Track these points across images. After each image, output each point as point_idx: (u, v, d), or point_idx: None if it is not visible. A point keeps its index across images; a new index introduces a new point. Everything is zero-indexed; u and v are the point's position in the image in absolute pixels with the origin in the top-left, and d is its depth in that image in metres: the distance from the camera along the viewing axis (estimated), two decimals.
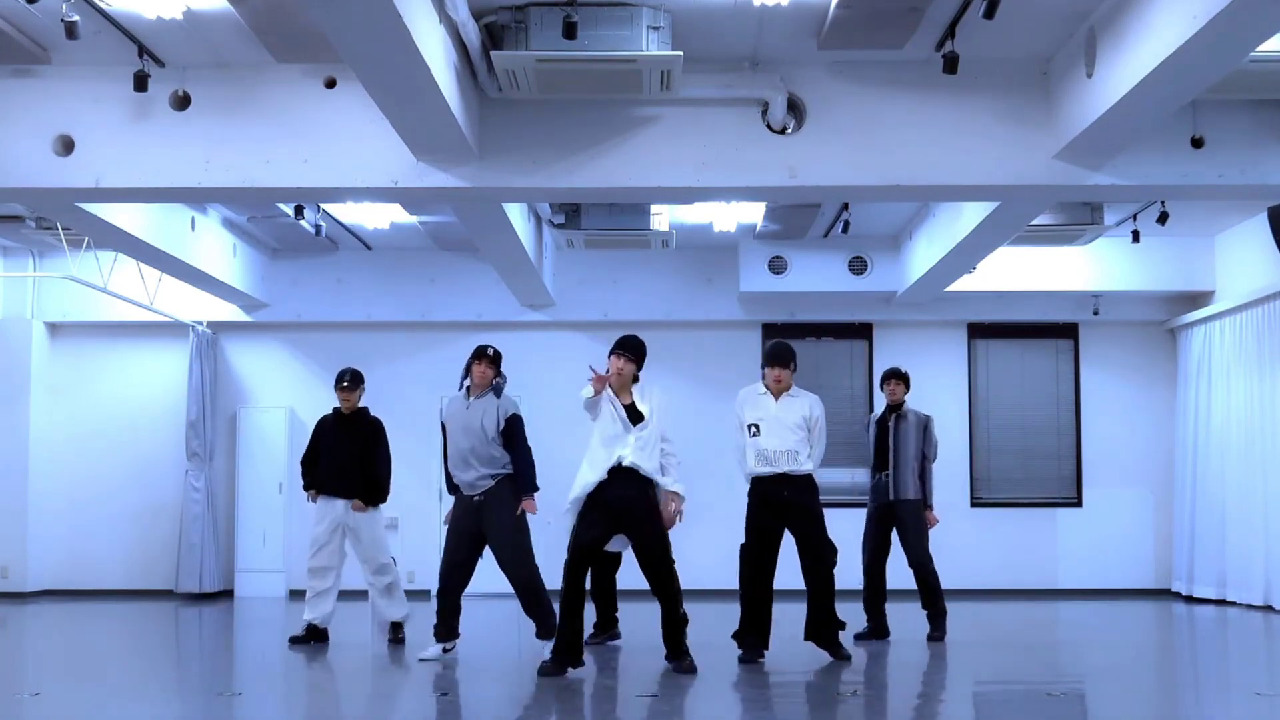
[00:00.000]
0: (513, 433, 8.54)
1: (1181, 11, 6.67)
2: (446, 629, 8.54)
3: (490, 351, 8.58)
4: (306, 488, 9.55)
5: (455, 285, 14.15)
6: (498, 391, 8.58)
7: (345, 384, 9.44)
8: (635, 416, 7.73)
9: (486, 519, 8.50)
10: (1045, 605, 13.20)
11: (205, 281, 12.75)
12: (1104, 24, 7.74)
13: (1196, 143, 8.92)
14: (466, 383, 8.63)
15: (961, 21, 7.93)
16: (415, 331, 14.41)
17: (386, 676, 8.36)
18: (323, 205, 11.96)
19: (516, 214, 10.98)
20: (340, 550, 9.51)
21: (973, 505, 14.34)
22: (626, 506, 7.70)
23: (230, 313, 14.18)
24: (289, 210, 11.81)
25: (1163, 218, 11.48)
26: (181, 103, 8.83)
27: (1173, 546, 14.10)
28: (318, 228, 12.32)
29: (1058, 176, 8.82)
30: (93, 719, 6.84)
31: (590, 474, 7.71)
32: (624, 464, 7.64)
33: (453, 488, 8.68)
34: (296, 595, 14.00)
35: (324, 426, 9.57)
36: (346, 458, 9.36)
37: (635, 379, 7.88)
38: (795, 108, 8.83)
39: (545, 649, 8.07)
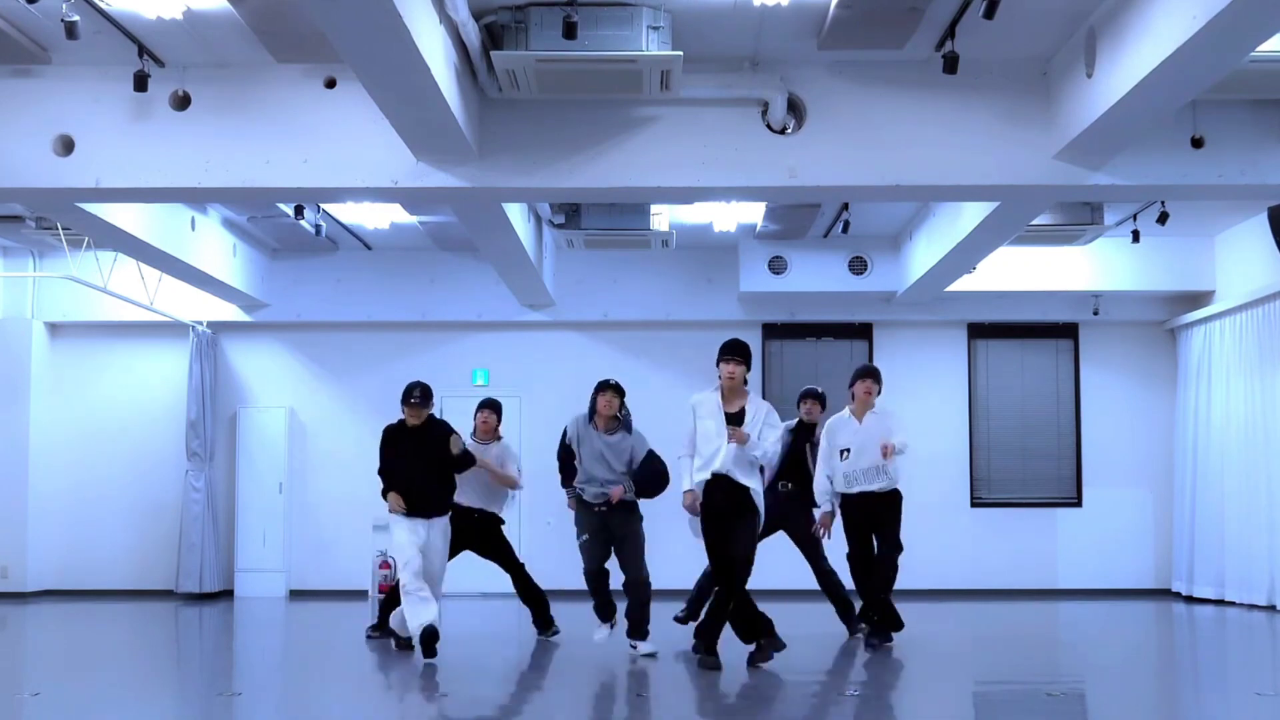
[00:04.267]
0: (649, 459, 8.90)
1: (1181, 11, 6.67)
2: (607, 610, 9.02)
3: (613, 383, 8.85)
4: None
5: (455, 285, 14.14)
6: (628, 426, 8.88)
7: (415, 399, 8.67)
8: (736, 422, 7.83)
9: (613, 526, 8.80)
10: (1045, 605, 13.20)
11: (205, 281, 12.74)
12: (1104, 24, 7.74)
13: (1196, 143, 8.92)
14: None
15: (961, 21, 7.93)
16: (415, 331, 14.41)
17: (386, 676, 8.35)
18: (323, 205, 11.96)
19: (516, 214, 10.98)
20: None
21: (973, 505, 14.34)
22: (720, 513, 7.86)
23: (230, 313, 14.17)
24: (289, 210, 11.80)
25: (1163, 218, 11.48)
26: (181, 103, 8.83)
27: (1172, 546, 14.09)
28: (318, 228, 12.32)
29: (1058, 176, 8.82)
30: (92, 719, 6.84)
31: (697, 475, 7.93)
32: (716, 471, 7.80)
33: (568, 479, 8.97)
34: (296, 595, 14.01)
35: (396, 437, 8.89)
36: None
37: (745, 382, 8.01)
38: (795, 108, 8.82)
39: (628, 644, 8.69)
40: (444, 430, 8.75)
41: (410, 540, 8.48)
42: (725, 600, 7.87)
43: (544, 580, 12.68)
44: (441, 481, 8.67)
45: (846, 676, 7.97)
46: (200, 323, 14.09)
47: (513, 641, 10.31)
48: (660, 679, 7.78)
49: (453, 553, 9.14)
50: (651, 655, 8.59)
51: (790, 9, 7.88)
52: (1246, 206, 12.18)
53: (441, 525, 8.69)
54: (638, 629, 8.74)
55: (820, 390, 9.90)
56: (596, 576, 8.90)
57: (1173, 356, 14.39)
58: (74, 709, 6.99)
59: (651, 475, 8.81)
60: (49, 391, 14.43)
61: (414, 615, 8.39)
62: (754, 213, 12.26)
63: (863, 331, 14.46)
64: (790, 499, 9.57)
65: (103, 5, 7.78)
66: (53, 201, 9.50)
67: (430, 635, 8.28)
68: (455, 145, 8.52)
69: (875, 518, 8.99)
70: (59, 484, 14.34)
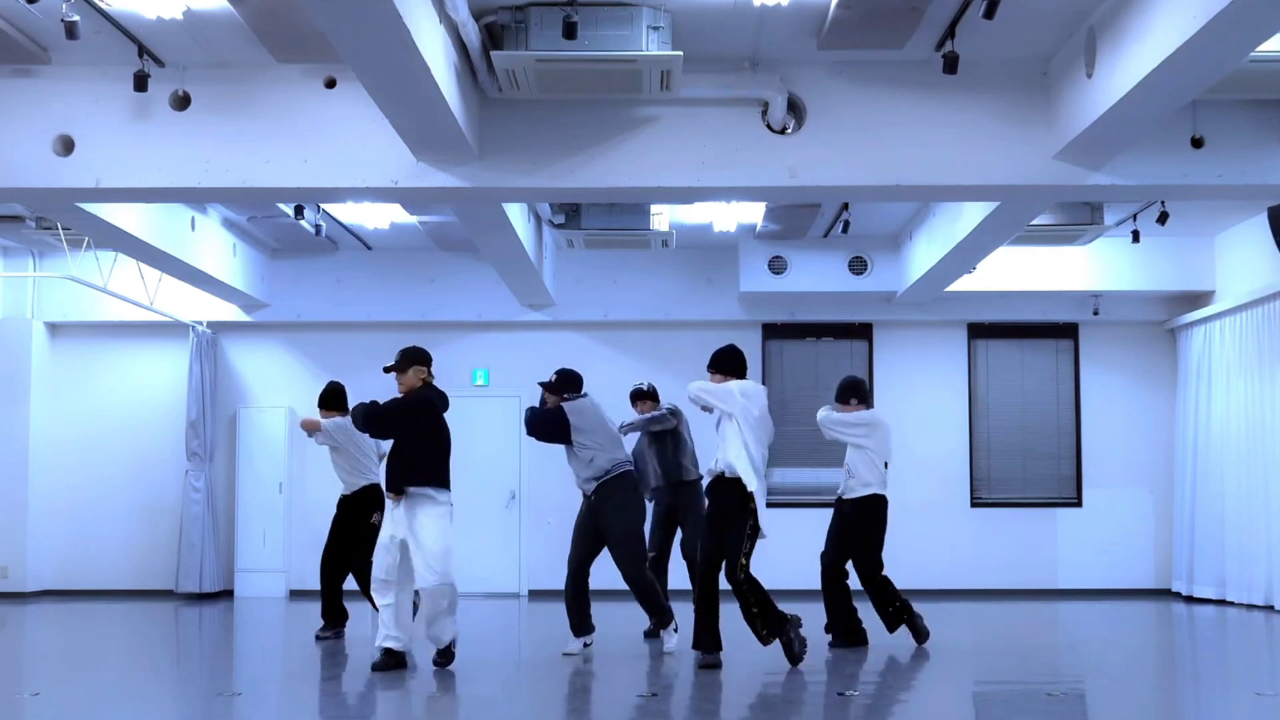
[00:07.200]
0: None
1: (1181, 11, 6.67)
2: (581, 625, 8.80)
3: (645, 389, 9.76)
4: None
5: (455, 285, 14.14)
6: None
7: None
8: None
9: (601, 519, 8.70)
10: (1045, 605, 13.20)
11: (205, 281, 12.75)
12: (1104, 24, 7.74)
13: (1196, 143, 8.92)
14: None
15: (961, 21, 7.93)
16: (415, 331, 14.34)
17: (386, 676, 8.35)
18: (323, 205, 11.96)
19: (516, 214, 10.98)
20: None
21: (973, 505, 14.34)
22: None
23: (230, 313, 14.17)
24: (289, 210, 11.80)
25: (1163, 218, 11.48)
26: (181, 103, 8.83)
27: (1173, 546, 14.10)
28: (318, 228, 12.32)
29: (1058, 176, 8.82)
30: (92, 719, 6.84)
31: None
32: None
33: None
34: (296, 595, 14.01)
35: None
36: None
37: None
38: (795, 108, 8.82)
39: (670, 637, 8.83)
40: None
41: (383, 540, 8.08)
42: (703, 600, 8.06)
43: (545, 580, 12.65)
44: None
45: (847, 676, 7.96)
46: (200, 323, 14.09)
47: (518, 639, 10.30)
48: (668, 679, 7.77)
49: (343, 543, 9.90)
50: (669, 655, 8.61)
51: (790, 9, 7.88)
52: (1246, 206, 12.18)
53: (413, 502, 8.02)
54: (660, 621, 8.83)
55: (647, 387, 9.95)
56: (570, 582, 8.70)
57: (1173, 356, 14.39)
58: (74, 709, 6.99)
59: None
60: (49, 391, 14.43)
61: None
62: (754, 213, 12.27)
63: (863, 331, 14.46)
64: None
65: (103, 5, 7.79)
66: (53, 201, 9.50)
67: (377, 664, 8.06)
68: (455, 145, 8.52)
69: (843, 526, 9.08)
70: (59, 484, 14.34)
